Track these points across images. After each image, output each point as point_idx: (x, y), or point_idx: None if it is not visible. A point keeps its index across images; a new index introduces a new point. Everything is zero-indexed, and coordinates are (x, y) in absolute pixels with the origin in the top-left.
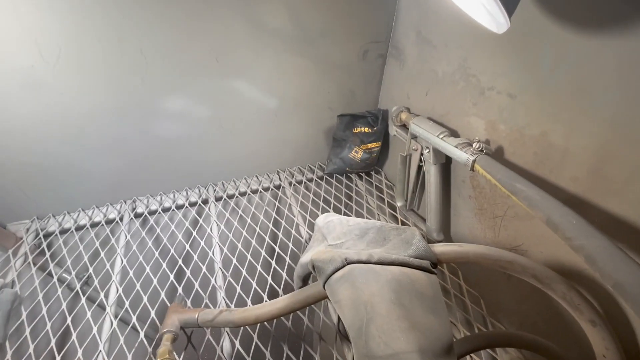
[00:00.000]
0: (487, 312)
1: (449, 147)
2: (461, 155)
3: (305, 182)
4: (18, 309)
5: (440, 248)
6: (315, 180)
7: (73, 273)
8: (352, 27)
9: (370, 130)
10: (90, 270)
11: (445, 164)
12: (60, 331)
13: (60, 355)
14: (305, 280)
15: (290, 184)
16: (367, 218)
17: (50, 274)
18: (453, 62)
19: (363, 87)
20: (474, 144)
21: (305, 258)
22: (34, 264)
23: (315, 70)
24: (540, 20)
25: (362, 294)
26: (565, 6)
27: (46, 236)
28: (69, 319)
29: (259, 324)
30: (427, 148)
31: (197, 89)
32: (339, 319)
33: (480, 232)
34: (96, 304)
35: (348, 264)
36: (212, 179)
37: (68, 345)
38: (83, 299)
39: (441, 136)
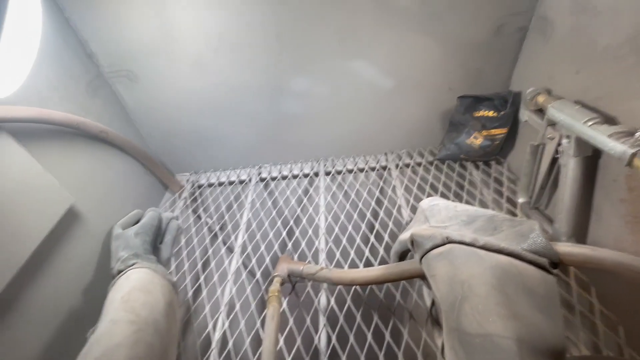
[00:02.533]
0: (627, 341)
1: (600, 136)
2: (615, 147)
3: (413, 166)
4: (179, 237)
5: (566, 248)
6: (425, 165)
7: (214, 218)
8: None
9: (495, 114)
10: (225, 218)
11: (591, 157)
12: (204, 259)
13: (203, 275)
14: (401, 257)
15: (397, 166)
16: None
17: (199, 216)
18: (622, 31)
19: (493, 66)
20: (637, 134)
21: (404, 235)
22: (189, 207)
23: (438, 48)
24: None
25: (460, 273)
26: None
27: (198, 187)
28: (209, 251)
29: (353, 288)
30: (568, 137)
31: (320, 71)
32: (432, 303)
33: (630, 245)
34: (227, 245)
35: (449, 242)
36: (324, 154)
37: (207, 270)
38: (219, 239)
39: (590, 123)
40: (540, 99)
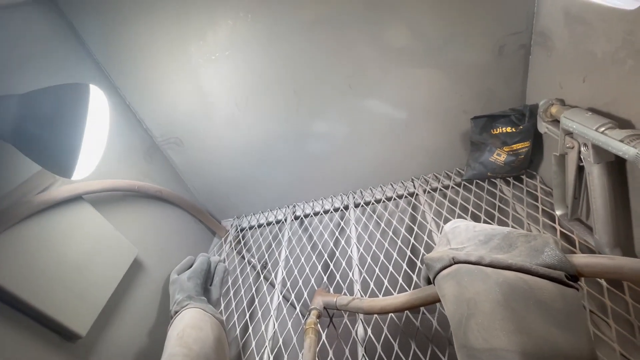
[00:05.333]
0: None
1: (612, 141)
2: (629, 151)
3: (441, 189)
4: (227, 278)
5: (582, 260)
6: (453, 187)
7: (256, 258)
8: (482, 25)
9: (514, 129)
10: (266, 257)
11: (616, 162)
12: (249, 297)
13: (249, 313)
14: (429, 281)
15: (424, 191)
16: (513, 227)
17: (243, 257)
18: (615, 38)
19: (504, 84)
20: None
21: (435, 251)
22: (235, 249)
23: (445, 76)
24: None
25: (466, 291)
26: None
27: (241, 230)
28: (253, 289)
29: (389, 317)
30: (585, 145)
31: (336, 112)
32: None
33: None
34: (269, 282)
35: (455, 263)
36: (352, 187)
37: (252, 307)
38: (261, 277)
39: (602, 129)
40: (554, 109)
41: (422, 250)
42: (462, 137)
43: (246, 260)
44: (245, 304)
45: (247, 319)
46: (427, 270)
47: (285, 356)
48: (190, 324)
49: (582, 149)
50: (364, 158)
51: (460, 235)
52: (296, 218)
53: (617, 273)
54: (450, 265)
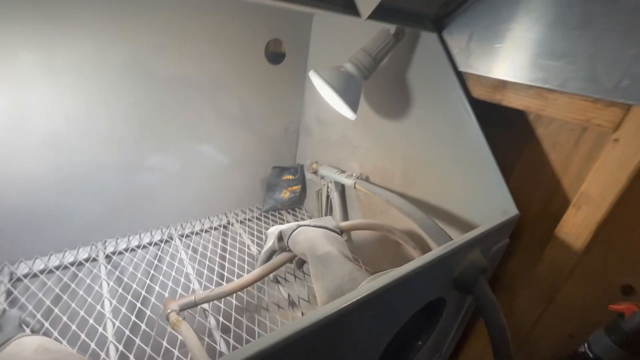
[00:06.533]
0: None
1: (342, 178)
2: (347, 181)
3: (249, 219)
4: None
5: (342, 224)
6: (256, 217)
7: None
8: (277, 113)
9: (293, 177)
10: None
11: (342, 190)
12: None
13: None
14: (269, 258)
15: (237, 220)
16: None
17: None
18: (338, 133)
19: (286, 150)
20: (354, 174)
21: (267, 245)
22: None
23: (255, 139)
24: (368, 109)
25: (309, 235)
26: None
27: (15, 280)
28: None
29: (233, 304)
30: (331, 182)
31: (174, 150)
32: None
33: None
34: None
35: (299, 227)
36: (177, 219)
37: None
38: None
39: (336, 174)
40: (315, 166)
41: (237, 261)
42: (262, 181)
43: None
44: None
45: None
46: (283, 235)
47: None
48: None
49: (329, 184)
50: (189, 193)
51: (284, 227)
52: (111, 256)
53: (356, 227)
54: (297, 228)
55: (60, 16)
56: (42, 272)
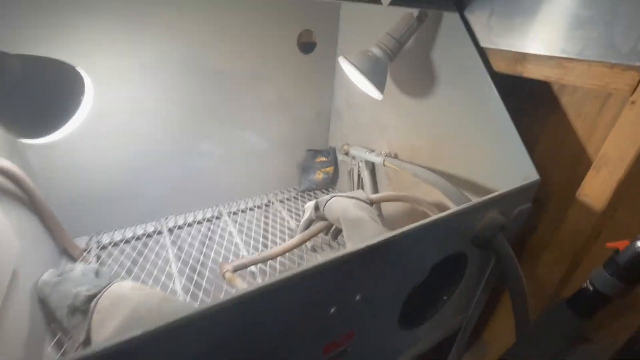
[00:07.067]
0: None
1: (371, 156)
2: (377, 159)
3: (288, 198)
4: None
5: (372, 196)
6: (294, 197)
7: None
8: (310, 100)
9: (326, 159)
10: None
11: (372, 169)
12: None
13: None
14: (307, 227)
15: (277, 200)
16: None
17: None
18: (367, 115)
19: (319, 133)
20: (383, 152)
21: (306, 215)
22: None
23: (290, 125)
24: (395, 90)
25: (342, 203)
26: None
27: (102, 248)
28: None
29: (277, 268)
30: (362, 161)
31: (219, 137)
32: (329, 229)
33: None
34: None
35: (333, 197)
36: (225, 199)
37: None
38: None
39: (366, 152)
40: (346, 147)
41: (278, 233)
42: (298, 164)
43: None
44: None
45: None
46: (319, 205)
47: None
48: (136, 286)
49: (360, 163)
50: (233, 175)
51: (319, 199)
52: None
53: (385, 199)
54: (332, 198)
55: (143, 20)
56: (120, 242)
